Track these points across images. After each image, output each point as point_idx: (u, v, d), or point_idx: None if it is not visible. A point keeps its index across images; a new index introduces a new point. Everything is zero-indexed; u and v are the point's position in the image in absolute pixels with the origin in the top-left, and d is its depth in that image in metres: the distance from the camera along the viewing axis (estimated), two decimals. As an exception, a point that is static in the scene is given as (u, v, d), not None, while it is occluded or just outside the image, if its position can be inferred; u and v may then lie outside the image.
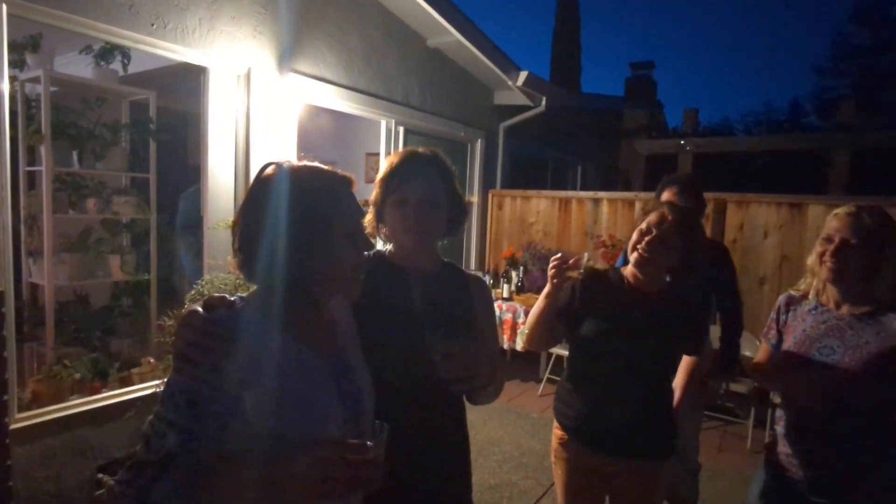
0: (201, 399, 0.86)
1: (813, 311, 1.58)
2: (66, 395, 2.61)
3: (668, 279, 1.66)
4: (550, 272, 1.57)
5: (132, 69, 3.21)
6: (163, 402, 0.88)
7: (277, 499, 0.84)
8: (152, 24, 2.71)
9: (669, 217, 1.60)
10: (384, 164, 1.34)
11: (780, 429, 1.65)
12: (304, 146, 3.57)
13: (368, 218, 1.33)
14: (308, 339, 0.99)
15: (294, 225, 0.93)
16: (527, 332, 1.76)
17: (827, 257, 1.51)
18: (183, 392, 0.86)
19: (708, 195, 4.25)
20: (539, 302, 1.66)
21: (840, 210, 1.51)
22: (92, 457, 2.68)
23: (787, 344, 1.62)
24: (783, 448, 1.61)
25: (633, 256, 1.62)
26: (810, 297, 1.60)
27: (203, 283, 2.68)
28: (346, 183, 1.02)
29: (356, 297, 1.05)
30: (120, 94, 3.38)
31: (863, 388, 1.43)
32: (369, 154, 6.35)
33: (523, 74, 4.99)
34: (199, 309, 0.92)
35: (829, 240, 1.52)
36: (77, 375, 2.67)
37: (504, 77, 5.00)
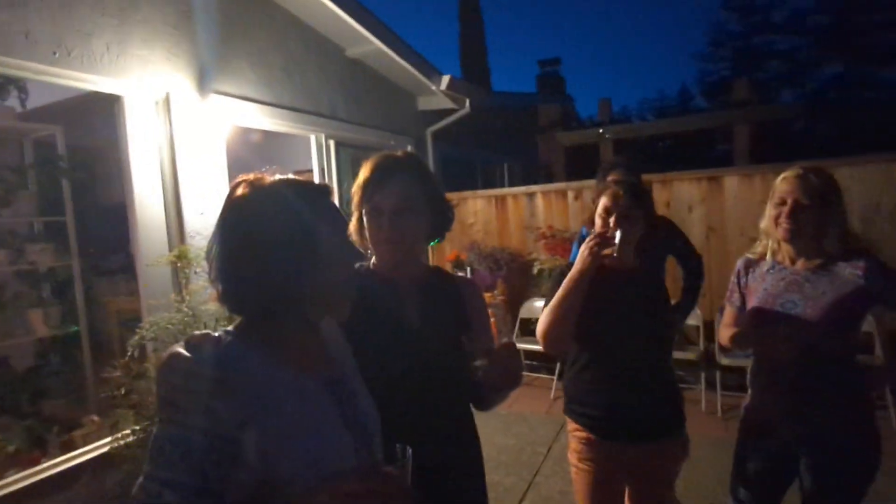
0: (196, 449, 0.77)
1: (771, 271, 1.70)
2: (1, 472, 2.32)
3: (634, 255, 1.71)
4: (593, 250, 1.54)
5: (33, 103, 2.92)
6: (152, 459, 0.78)
7: None
8: (54, 53, 2.47)
9: (621, 192, 1.66)
10: (361, 170, 1.28)
11: (754, 387, 1.76)
12: (232, 168, 3.40)
13: (353, 226, 1.27)
14: (305, 368, 0.92)
15: (277, 245, 0.86)
16: (546, 327, 1.65)
17: (783, 218, 1.61)
18: (174, 444, 0.77)
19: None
20: (566, 290, 1.59)
21: (788, 174, 1.63)
22: (39, 537, 2.40)
23: (751, 304, 1.73)
24: (760, 404, 1.72)
25: (616, 233, 1.64)
26: (767, 257, 1.72)
27: (146, 326, 2.48)
28: (325, 192, 0.96)
29: (346, 317, 0.97)
30: (20, 132, 3.06)
31: (827, 333, 1.55)
32: (297, 172, 6.17)
33: (446, 78, 5.03)
34: (182, 350, 0.83)
35: (782, 202, 1.62)
36: (11, 448, 2.38)
37: (427, 82, 5.02)
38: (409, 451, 0.82)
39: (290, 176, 0.94)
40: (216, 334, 0.87)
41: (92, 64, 2.61)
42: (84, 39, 2.58)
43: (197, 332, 0.88)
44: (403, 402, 1.15)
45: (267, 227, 0.86)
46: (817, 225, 1.57)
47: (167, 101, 2.96)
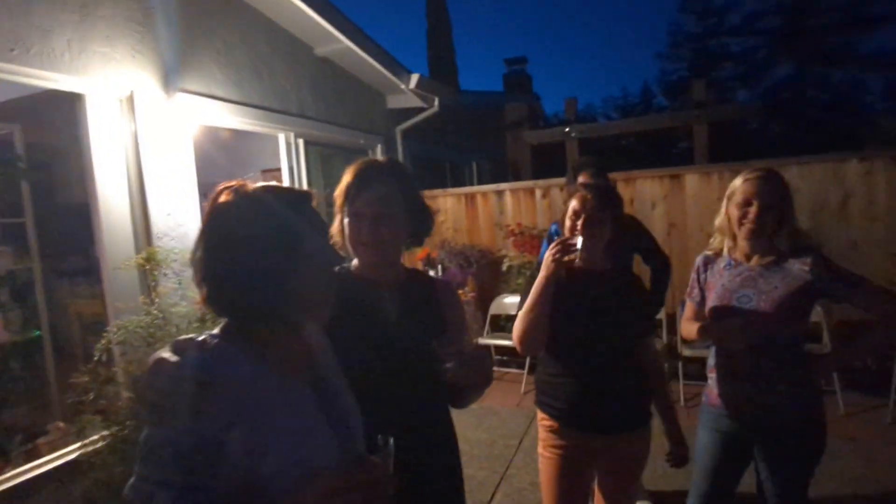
0: (185, 450, 0.80)
1: (727, 267, 1.80)
2: (-38, 484, 2.25)
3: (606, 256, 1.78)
4: (555, 257, 1.59)
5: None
6: (143, 460, 0.81)
7: None
8: (12, 50, 2.40)
9: (590, 196, 1.73)
10: (344, 175, 1.31)
11: (714, 376, 1.86)
12: (200, 168, 3.36)
13: (336, 228, 1.31)
14: (289, 369, 0.95)
15: (260, 250, 0.88)
16: (521, 333, 1.71)
17: (750, 219, 1.69)
18: (164, 446, 0.80)
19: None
20: (535, 295, 1.65)
21: (750, 176, 1.72)
22: (0, 548, 2.34)
23: (710, 298, 1.83)
24: (719, 392, 1.82)
25: (577, 239, 1.70)
26: (724, 253, 1.82)
27: (113, 329, 2.43)
28: (307, 198, 0.99)
29: (326, 319, 1.00)
30: (-27, 132, 2.95)
31: (778, 325, 1.66)
32: (265, 171, 6.08)
33: (415, 77, 5.06)
34: (167, 355, 0.85)
35: (747, 203, 1.71)
36: (-29, 459, 2.31)
37: (396, 81, 5.04)
38: (391, 441, 0.85)
39: (273, 183, 0.97)
40: (201, 338, 0.89)
41: (52, 61, 2.54)
42: (44, 36, 2.51)
43: (182, 337, 0.90)
44: (382, 400, 1.18)
45: (250, 233, 0.88)
46: (775, 224, 1.68)
47: (131, 99, 2.91)
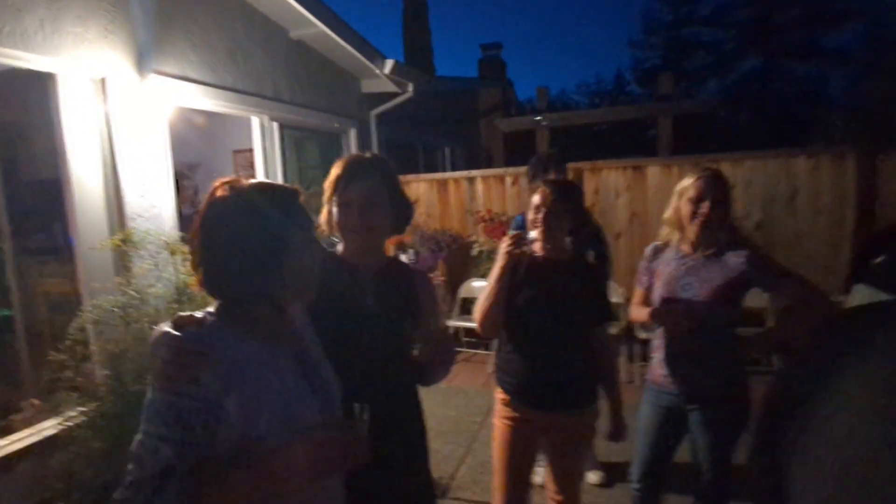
0: (186, 412, 0.91)
1: (674, 257, 1.98)
2: (-63, 459, 2.30)
3: (570, 247, 1.93)
4: (507, 249, 1.74)
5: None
6: (149, 420, 0.92)
7: (276, 488, 0.93)
8: (-16, 29, 2.39)
9: (550, 192, 1.87)
10: (333, 169, 1.44)
11: (657, 356, 2.05)
12: (174, 148, 3.37)
13: (324, 217, 1.44)
14: (276, 343, 1.07)
15: (255, 241, 1.00)
16: (480, 316, 1.86)
17: (703, 213, 1.85)
18: (168, 408, 0.91)
19: (569, 165, 4.79)
20: (491, 283, 1.80)
21: (703, 174, 1.89)
22: (-22, 520, 2.40)
23: (657, 286, 2.01)
24: (662, 371, 2.00)
25: (537, 233, 1.85)
26: (672, 244, 2.00)
27: (89, 309, 2.48)
28: (296, 195, 1.11)
29: (310, 301, 1.13)
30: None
31: (715, 311, 1.85)
32: (236, 151, 6.06)
33: (390, 62, 5.10)
34: (169, 329, 0.97)
35: (699, 199, 1.87)
36: (-54, 434, 2.35)
37: (371, 66, 5.07)
38: (367, 408, 0.98)
39: (265, 180, 1.08)
40: (199, 315, 1.02)
41: (24, 40, 2.54)
42: (15, 15, 2.50)
43: (182, 314, 1.02)
44: (357, 374, 1.31)
45: (243, 226, 1.00)
46: (720, 219, 1.86)
47: (104, 80, 2.91)
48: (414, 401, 1.53)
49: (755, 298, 3.32)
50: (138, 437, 0.92)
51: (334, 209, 1.42)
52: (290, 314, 1.16)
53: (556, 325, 1.86)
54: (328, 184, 1.44)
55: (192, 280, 2.70)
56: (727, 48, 22.50)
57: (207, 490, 0.90)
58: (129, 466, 0.91)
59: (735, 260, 1.85)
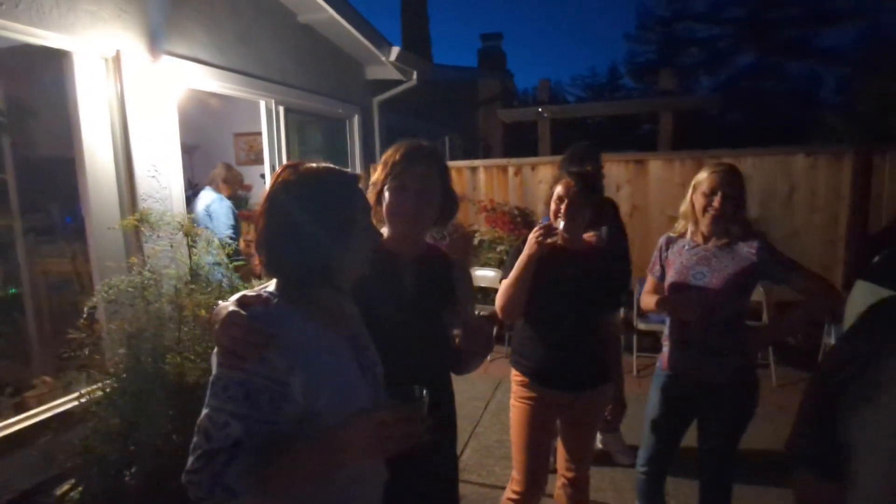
0: (254, 389, 0.94)
1: (687, 247, 2.04)
2: (-48, 433, 2.32)
3: (604, 237, 2.00)
4: (538, 239, 1.78)
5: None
6: (216, 395, 0.95)
7: (339, 463, 0.98)
8: (0, 4, 2.37)
9: (573, 183, 1.93)
10: (390, 150, 1.44)
11: (667, 344, 2.12)
12: (182, 129, 3.37)
13: (370, 200, 1.43)
14: (332, 325, 1.11)
15: (322, 224, 1.03)
16: (503, 302, 1.91)
17: (715, 206, 1.93)
18: (237, 385, 0.94)
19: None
20: (518, 270, 1.85)
21: (716, 168, 1.96)
22: (-5, 494, 2.43)
23: (670, 274, 2.07)
24: (671, 359, 2.08)
25: (559, 223, 1.90)
26: (687, 236, 2.06)
27: (105, 288, 2.50)
28: (357, 180, 1.14)
29: (357, 282, 1.15)
30: (-50, 83, 2.88)
31: (725, 300, 1.92)
32: (238, 134, 6.05)
33: (395, 50, 5.10)
34: (237, 308, 0.99)
35: (712, 192, 1.94)
36: (-39, 409, 2.37)
37: (377, 52, 5.07)
38: (427, 390, 1.01)
39: (328, 165, 1.11)
40: (264, 295, 1.05)
41: (41, 17, 2.52)
42: (32, -9, 2.48)
43: (248, 293, 1.05)
44: (396, 357, 1.35)
45: (309, 209, 1.03)
46: (733, 211, 1.92)
47: (118, 59, 2.90)
48: (448, 386, 1.58)
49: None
50: (205, 411, 0.95)
51: (386, 193, 1.41)
52: (344, 297, 1.19)
53: (572, 311, 1.93)
54: (381, 164, 1.43)
55: (204, 262, 2.73)
56: (721, 45, 22.64)
57: (274, 464, 0.94)
58: (196, 439, 0.95)
59: (747, 251, 1.92)
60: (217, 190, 4.31)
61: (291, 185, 1.05)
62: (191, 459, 0.94)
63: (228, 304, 1.01)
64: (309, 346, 1.02)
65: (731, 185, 1.93)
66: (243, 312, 0.98)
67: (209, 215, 4.23)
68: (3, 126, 2.90)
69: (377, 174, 1.44)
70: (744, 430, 1.99)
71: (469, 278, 1.65)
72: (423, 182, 1.40)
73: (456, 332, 1.34)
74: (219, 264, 2.67)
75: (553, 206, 1.94)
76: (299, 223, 1.02)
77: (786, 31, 20.99)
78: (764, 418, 2.04)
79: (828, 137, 9.89)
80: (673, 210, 4.68)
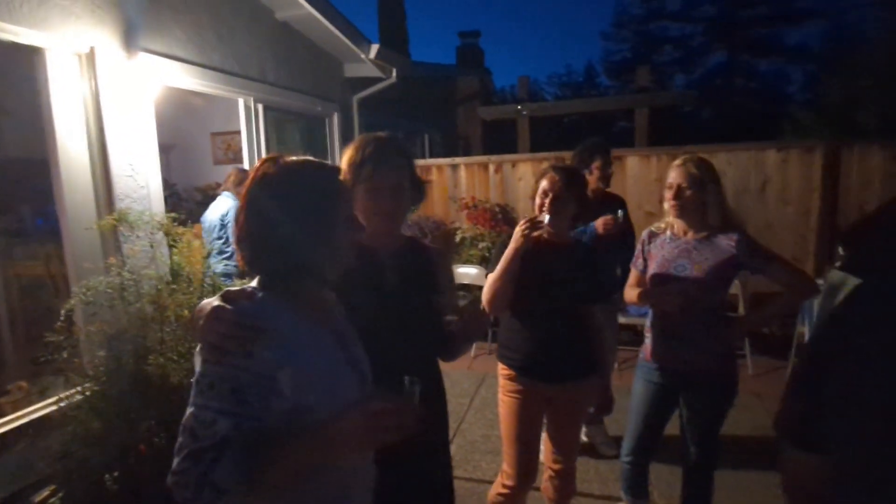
0: (241, 384, 0.92)
1: (668, 241, 2.09)
2: (-76, 442, 2.25)
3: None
4: (524, 233, 1.81)
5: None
6: (202, 393, 0.93)
7: (331, 456, 0.97)
8: (-32, -1, 2.30)
9: (557, 178, 1.96)
10: (352, 150, 1.42)
11: (649, 335, 2.16)
12: (160, 128, 3.31)
13: None
14: (318, 320, 1.10)
15: (303, 218, 1.02)
16: (490, 296, 1.91)
17: (670, 199, 2.02)
18: (223, 381, 0.92)
19: (549, 154, 4.90)
20: (504, 263, 1.86)
21: (676, 163, 2.03)
22: (-32, 504, 2.36)
23: (651, 267, 2.12)
24: (653, 349, 2.12)
25: (545, 216, 1.93)
26: (667, 232, 2.11)
27: (82, 290, 2.44)
28: (339, 172, 1.14)
29: (337, 276, 1.14)
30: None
31: (706, 291, 1.97)
32: (215, 133, 5.96)
33: (375, 47, 5.08)
34: (222, 303, 0.98)
35: (670, 187, 2.03)
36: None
37: (356, 50, 5.04)
38: (417, 381, 1.02)
39: (308, 157, 1.10)
40: (248, 290, 1.03)
41: (10, 12, 2.45)
42: (-1, -15, 2.41)
43: (231, 289, 1.03)
44: (383, 351, 1.36)
45: (290, 203, 1.02)
46: (697, 204, 1.97)
47: (92, 55, 2.83)
48: (437, 375, 1.59)
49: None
50: (190, 409, 0.93)
51: (358, 194, 1.39)
52: (327, 292, 1.19)
53: (558, 303, 1.96)
54: (348, 166, 1.40)
55: (185, 261, 2.69)
56: (694, 43, 23.07)
57: (263, 460, 0.92)
58: (181, 439, 0.92)
59: (726, 243, 1.97)
60: (237, 196, 4.26)
61: (271, 178, 1.03)
62: (176, 460, 0.91)
63: (212, 301, 0.99)
64: (296, 340, 1.01)
65: (686, 178, 1.98)
66: (229, 307, 0.96)
67: (223, 224, 4.19)
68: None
69: (345, 176, 1.40)
70: (724, 417, 2.05)
71: (448, 265, 1.67)
72: (398, 178, 1.40)
73: (449, 318, 1.35)
74: (228, 275, 2.62)
75: (538, 201, 1.96)
76: (280, 218, 1.01)
77: (754, 30, 21.49)
78: (741, 407, 2.10)
79: (797, 133, 10.19)
80: (650, 205, 4.79)
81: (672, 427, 2.17)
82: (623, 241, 2.89)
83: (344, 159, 1.44)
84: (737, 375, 2.05)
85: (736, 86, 21.68)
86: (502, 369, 2.07)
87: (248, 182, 1.06)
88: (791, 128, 11.15)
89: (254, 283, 1.08)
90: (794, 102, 17.72)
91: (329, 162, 1.15)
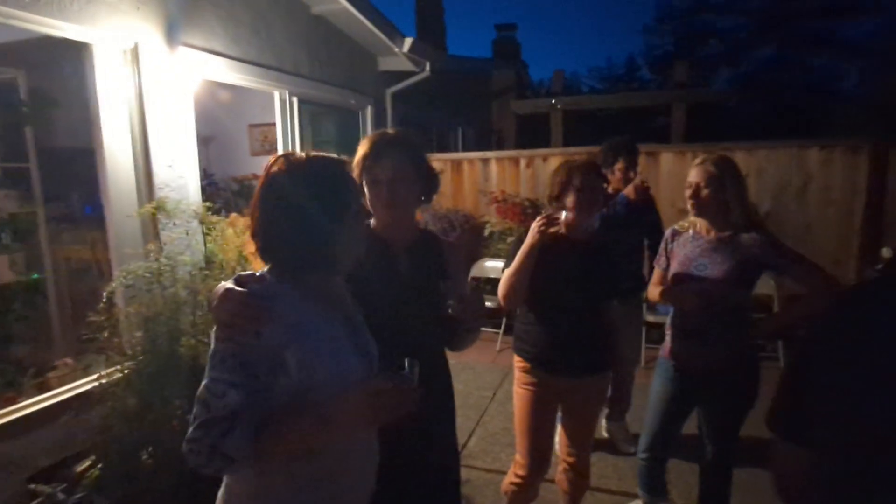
0: (250, 360, 0.99)
1: (691, 240, 2.07)
2: (-23, 412, 2.43)
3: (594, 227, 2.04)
4: (540, 229, 1.83)
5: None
6: (215, 367, 1.00)
7: (332, 433, 1.02)
8: (23, -3, 2.44)
9: (581, 173, 1.96)
10: (361, 146, 1.50)
11: (669, 333, 2.14)
12: (198, 121, 3.44)
13: None
14: (327, 304, 1.16)
15: (314, 211, 1.07)
16: (506, 290, 1.96)
17: (690, 199, 1.99)
18: (234, 356, 0.99)
19: (581, 150, 4.85)
20: (520, 259, 1.89)
21: (695, 161, 2.01)
22: (17, 470, 2.52)
23: (673, 266, 2.10)
24: (673, 348, 2.10)
25: (570, 214, 1.94)
26: (690, 230, 2.08)
27: (122, 274, 2.57)
28: (349, 165, 1.19)
29: (349, 269, 1.20)
30: (-24, 74, 2.98)
31: (726, 291, 1.94)
32: (252, 125, 6.12)
33: (408, 41, 5.12)
34: (233, 286, 1.04)
35: (689, 186, 2.01)
36: (-15, 389, 2.47)
37: (390, 43, 5.09)
38: (417, 362, 1.06)
39: (320, 153, 1.15)
40: (259, 273, 1.10)
41: (61, 9, 2.59)
42: (53, -16, 2.55)
43: (243, 273, 1.10)
44: (393, 339, 1.40)
45: (300, 197, 1.07)
46: (717, 203, 1.94)
47: (136, 50, 2.96)
48: (445, 365, 1.63)
49: (763, 285, 3.41)
50: (204, 381, 1.00)
51: (364, 187, 1.47)
52: (337, 280, 1.24)
53: (574, 298, 1.97)
54: (356, 162, 1.49)
55: (219, 249, 2.80)
56: (741, 36, 22.23)
57: (269, 433, 0.98)
58: (195, 409, 0.99)
59: (749, 243, 1.93)
60: None
61: (283, 174, 1.08)
62: (190, 429, 0.98)
63: (226, 283, 1.05)
64: (303, 322, 1.07)
65: (705, 177, 1.95)
66: (241, 289, 1.03)
67: None
68: (26, 116, 2.99)
69: (356, 171, 1.48)
70: (743, 418, 2.02)
71: (461, 256, 1.70)
72: (394, 171, 1.45)
73: (451, 302, 1.39)
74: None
75: (572, 198, 1.95)
76: (291, 211, 1.06)
77: (806, 23, 20.56)
78: (765, 409, 2.06)
79: (846, 131, 9.73)
80: (683, 203, 4.65)
81: (693, 425, 2.15)
82: (650, 205, 2.95)
83: (356, 155, 1.50)
84: (758, 377, 2.01)
85: (784, 81, 20.82)
86: (518, 361, 2.09)
87: (260, 178, 1.12)
88: (840, 126, 10.66)
89: (265, 269, 1.13)
90: (846, 100, 16.91)
91: (336, 155, 1.19)
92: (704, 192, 1.95)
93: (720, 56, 22.58)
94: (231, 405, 0.96)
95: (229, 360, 0.99)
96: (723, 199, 1.94)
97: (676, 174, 4.75)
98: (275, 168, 1.10)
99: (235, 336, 1.00)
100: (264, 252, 1.11)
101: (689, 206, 2.03)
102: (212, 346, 1.03)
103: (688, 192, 2.00)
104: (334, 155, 1.18)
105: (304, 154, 1.13)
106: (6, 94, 3.03)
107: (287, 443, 1.01)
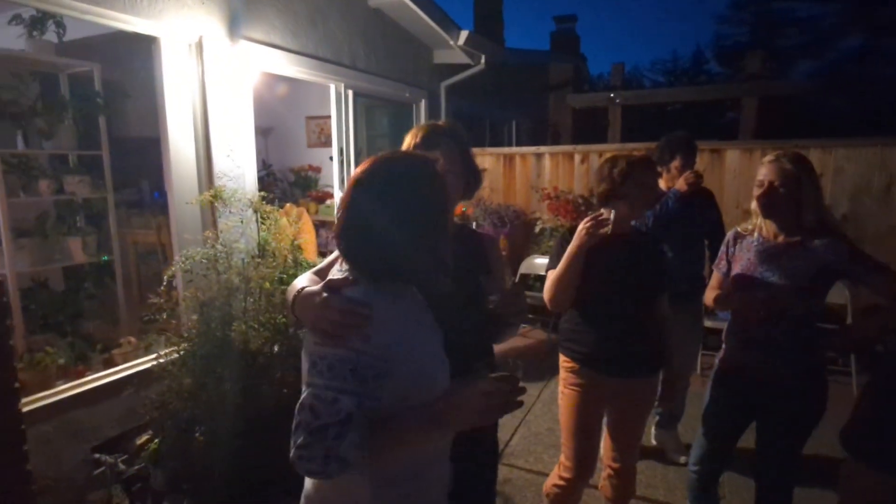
0: (360, 366, 0.98)
1: (755, 243, 1.93)
2: (53, 382, 2.60)
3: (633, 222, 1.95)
4: (587, 229, 1.77)
5: (67, 36, 3.03)
6: (321, 374, 0.98)
7: (444, 433, 1.03)
8: (99, -6, 2.58)
9: (630, 169, 1.87)
10: (407, 137, 1.49)
11: (728, 342, 2.02)
12: (256, 112, 3.54)
13: None
14: (412, 306, 1.14)
15: (398, 224, 1.03)
16: (552, 293, 1.91)
17: (759, 198, 1.85)
18: (343, 363, 0.97)
19: (640, 146, 4.67)
20: (567, 261, 1.84)
21: (766, 158, 1.85)
22: (85, 438, 2.70)
23: (735, 271, 1.97)
24: (732, 357, 1.98)
25: (610, 213, 1.85)
26: (755, 233, 1.94)
27: (183, 257, 2.69)
28: (435, 166, 1.14)
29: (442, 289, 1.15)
30: (57, 67, 3.18)
31: (794, 300, 1.79)
32: (309, 117, 6.26)
33: (464, 34, 5.07)
34: (328, 293, 1.03)
35: (760, 185, 1.85)
36: (61, 361, 2.65)
37: (445, 36, 5.06)
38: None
39: (415, 153, 1.13)
40: (351, 277, 1.07)
41: (133, 5, 2.72)
42: (125, -19, 2.68)
43: (335, 277, 1.08)
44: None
45: (387, 208, 1.04)
46: (790, 204, 1.79)
47: (200, 44, 3.08)
48: (492, 360, 1.60)
49: (835, 294, 3.15)
50: (309, 390, 0.98)
51: None
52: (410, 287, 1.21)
53: (624, 297, 1.90)
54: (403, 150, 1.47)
55: (272, 237, 2.87)
56: (824, 25, 20.77)
57: (385, 434, 0.99)
58: (299, 417, 0.97)
59: (821, 249, 1.78)
60: None
61: (372, 178, 1.06)
62: (300, 437, 0.96)
63: (308, 286, 1.06)
64: (405, 326, 1.06)
65: (779, 175, 1.79)
66: (342, 295, 1.02)
67: None
68: (100, 107, 3.16)
69: None
70: (808, 435, 1.88)
71: (500, 250, 1.67)
72: (445, 162, 1.41)
73: (492, 297, 1.36)
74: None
75: (621, 194, 1.87)
76: (375, 221, 1.04)
77: (899, 9, 18.93)
78: (836, 425, 1.90)
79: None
80: (749, 204, 4.37)
81: (750, 439, 2.01)
82: (710, 202, 2.85)
83: (404, 143, 1.50)
84: (825, 392, 1.85)
85: (873, 73, 19.28)
86: (564, 361, 2.03)
87: (350, 179, 1.10)
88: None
89: (346, 269, 1.10)
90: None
91: (429, 156, 1.17)
92: (780, 191, 1.79)
93: (800, 47, 21.21)
94: (345, 410, 0.95)
95: (338, 366, 0.98)
96: (796, 200, 1.80)
97: (742, 173, 4.49)
98: (368, 169, 1.07)
99: (343, 342, 0.99)
100: (346, 254, 1.09)
101: (755, 207, 1.88)
102: (309, 351, 1.03)
103: (756, 191, 1.85)
104: (427, 156, 1.16)
105: (401, 157, 1.12)
106: (84, 87, 3.22)
107: (404, 443, 1.02)
